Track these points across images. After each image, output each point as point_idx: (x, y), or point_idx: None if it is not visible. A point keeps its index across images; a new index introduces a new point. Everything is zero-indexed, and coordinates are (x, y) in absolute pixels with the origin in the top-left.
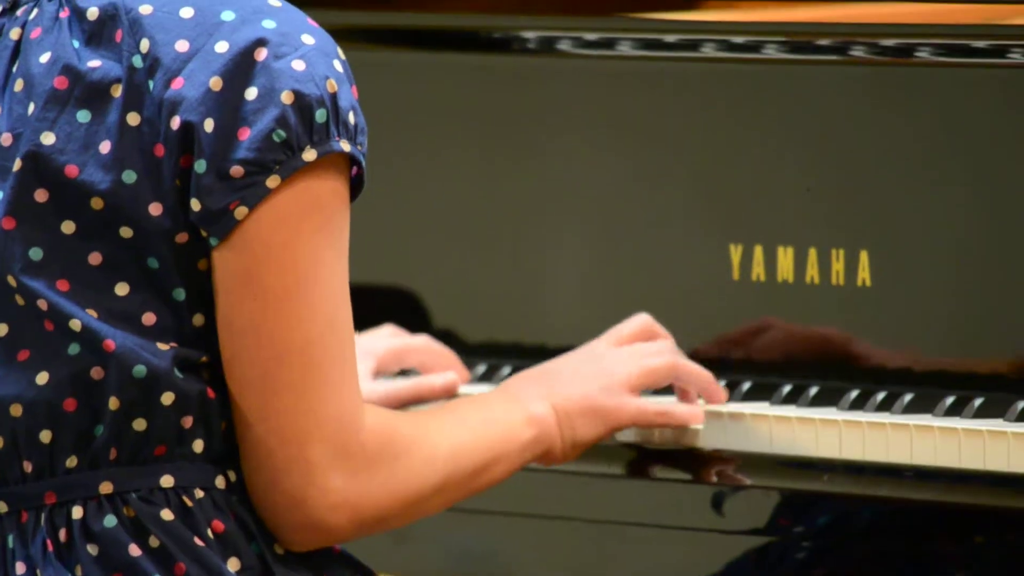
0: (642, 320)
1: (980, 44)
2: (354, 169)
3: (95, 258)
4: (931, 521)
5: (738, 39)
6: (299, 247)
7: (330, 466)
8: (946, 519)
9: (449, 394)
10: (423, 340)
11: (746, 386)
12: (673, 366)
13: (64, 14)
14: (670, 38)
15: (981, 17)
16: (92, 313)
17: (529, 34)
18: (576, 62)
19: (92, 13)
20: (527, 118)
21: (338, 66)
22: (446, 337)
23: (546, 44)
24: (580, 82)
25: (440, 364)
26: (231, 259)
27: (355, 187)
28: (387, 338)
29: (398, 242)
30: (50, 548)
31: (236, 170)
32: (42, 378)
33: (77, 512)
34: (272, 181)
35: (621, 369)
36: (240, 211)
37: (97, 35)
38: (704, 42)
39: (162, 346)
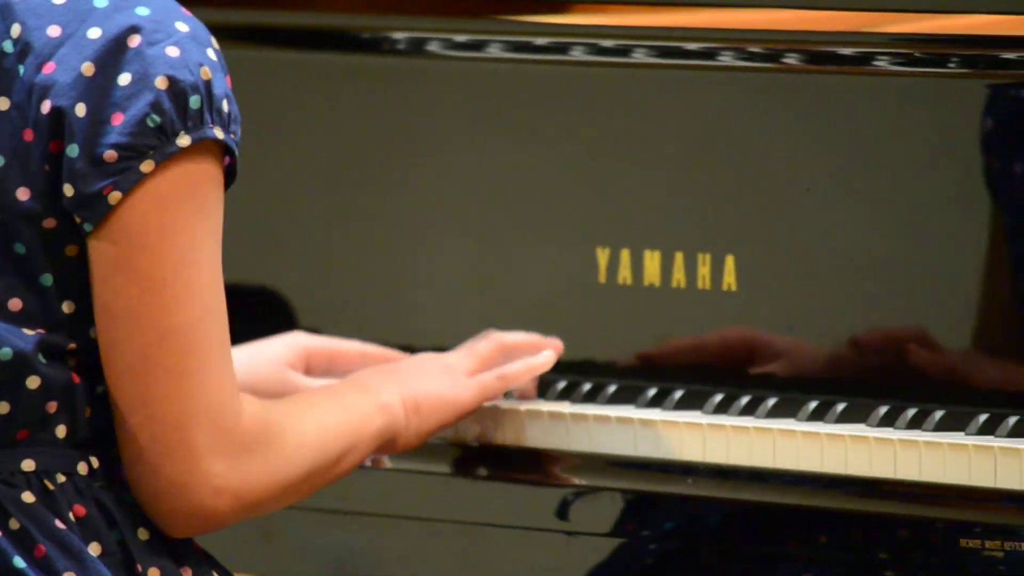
0: (494, 339)
1: (847, 51)
2: (227, 159)
3: None
4: (792, 524)
5: (607, 43)
6: (176, 232)
7: (212, 451)
8: (805, 522)
9: None
10: (358, 345)
11: (611, 389)
12: (498, 341)
13: None
14: (540, 41)
15: (848, 25)
16: None
17: (398, 35)
18: (445, 63)
19: None
20: (395, 119)
21: (212, 54)
22: None
23: (415, 45)
24: (449, 83)
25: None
26: (107, 245)
27: (228, 176)
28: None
29: (265, 241)
30: None
31: (109, 155)
32: None
33: None
34: (146, 166)
35: (455, 361)
36: (114, 196)
37: None
38: (573, 45)
39: (28, 331)
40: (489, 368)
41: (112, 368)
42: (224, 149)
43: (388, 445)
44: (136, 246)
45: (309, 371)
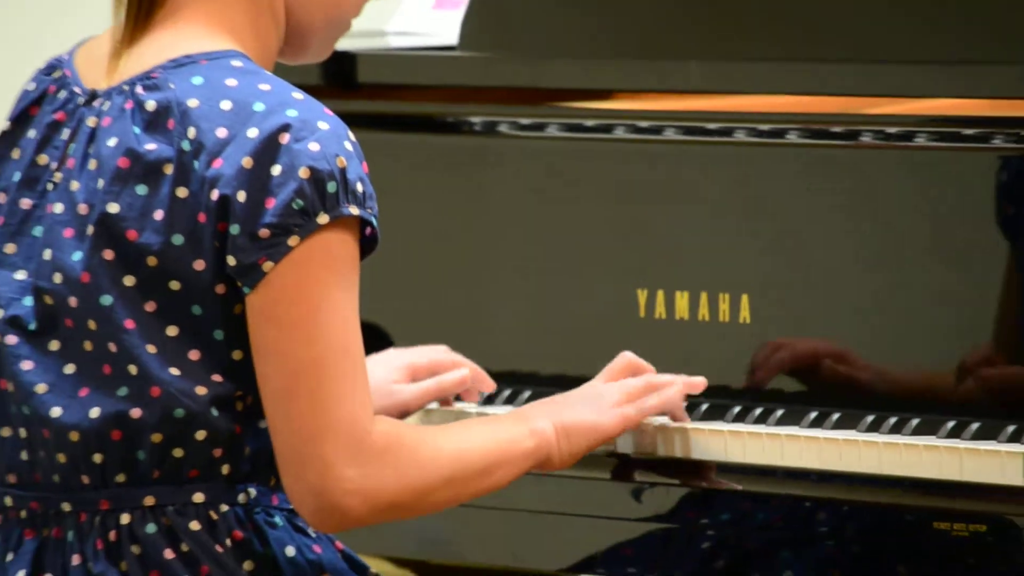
0: (625, 357)
1: (837, 128)
2: (368, 230)
3: (151, 306)
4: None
5: (643, 124)
6: (311, 286)
7: (343, 460)
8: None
9: (463, 386)
10: (460, 361)
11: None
12: (648, 381)
13: (129, 106)
14: (589, 123)
15: (839, 107)
16: (151, 348)
17: (476, 119)
18: (514, 142)
19: (151, 105)
20: (474, 185)
21: (348, 146)
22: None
23: (489, 127)
24: (518, 158)
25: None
26: (258, 301)
27: (372, 242)
28: (430, 352)
29: (368, 285)
30: (100, 546)
31: (264, 232)
32: (95, 412)
33: (125, 519)
34: (293, 240)
35: (607, 394)
36: (267, 265)
37: (154, 123)
38: (616, 126)
39: (200, 390)
40: (634, 400)
41: (264, 397)
42: (361, 222)
43: (545, 463)
44: (279, 298)
45: (415, 380)
